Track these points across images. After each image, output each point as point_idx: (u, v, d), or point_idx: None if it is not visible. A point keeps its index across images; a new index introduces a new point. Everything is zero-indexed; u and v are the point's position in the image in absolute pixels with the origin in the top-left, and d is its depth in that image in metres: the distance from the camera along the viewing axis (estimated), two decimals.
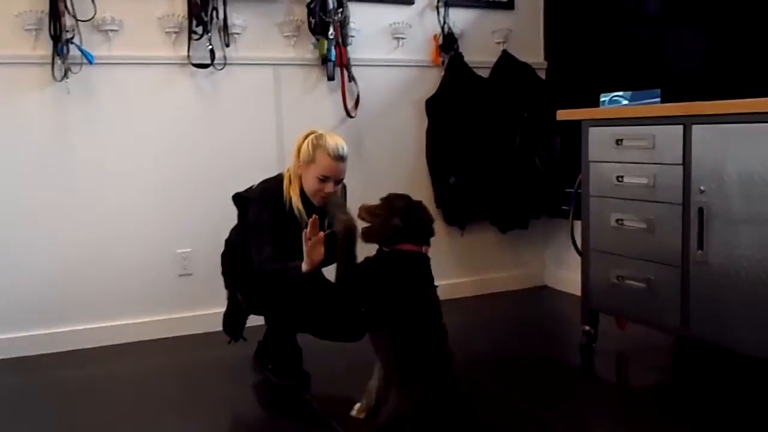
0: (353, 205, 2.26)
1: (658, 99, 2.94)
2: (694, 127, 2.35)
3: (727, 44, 3.07)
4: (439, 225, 3.79)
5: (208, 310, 3.35)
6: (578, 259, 3.83)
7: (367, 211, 2.16)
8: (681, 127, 2.39)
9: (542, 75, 4.03)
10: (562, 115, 2.90)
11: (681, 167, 2.40)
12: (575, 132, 3.67)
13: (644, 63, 3.47)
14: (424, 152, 3.80)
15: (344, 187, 2.72)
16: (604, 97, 3.13)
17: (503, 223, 3.91)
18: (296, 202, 2.52)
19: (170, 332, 3.30)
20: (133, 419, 2.41)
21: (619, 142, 2.65)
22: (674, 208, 2.44)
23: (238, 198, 2.65)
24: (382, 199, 2.18)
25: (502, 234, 3.96)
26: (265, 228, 2.50)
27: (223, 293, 3.31)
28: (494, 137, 3.80)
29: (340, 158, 2.49)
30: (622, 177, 2.64)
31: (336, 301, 2.25)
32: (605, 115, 2.73)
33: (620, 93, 3.07)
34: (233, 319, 2.73)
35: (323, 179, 2.49)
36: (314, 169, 2.49)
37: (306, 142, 2.52)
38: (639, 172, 2.57)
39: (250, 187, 2.65)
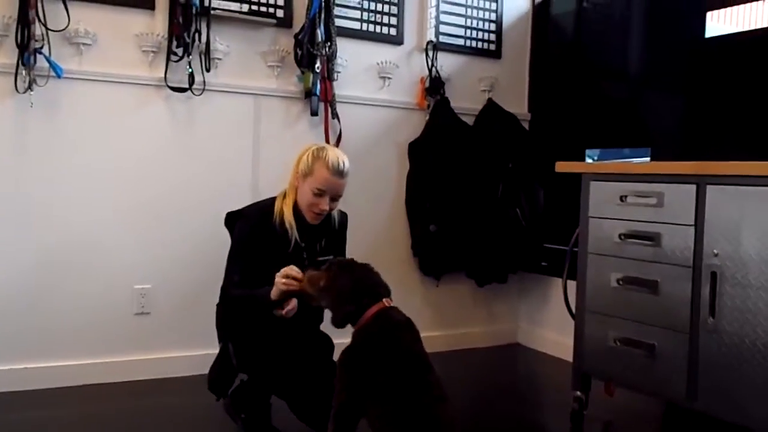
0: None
1: (648, 158, 2.90)
2: (709, 188, 2.25)
3: (708, 107, 3.07)
4: (414, 275, 3.68)
5: (166, 354, 3.08)
6: (554, 317, 3.76)
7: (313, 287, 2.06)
8: (694, 186, 2.29)
9: (525, 126, 3.95)
10: (561, 167, 2.78)
11: (693, 228, 2.29)
12: (559, 185, 3.63)
13: (627, 121, 3.45)
14: (403, 197, 3.65)
15: (345, 216, 2.57)
16: (590, 153, 3.06)
17: (481, 276, 3.76)
18: (287, 216, 2.36)
19: (123, 376, 2.98)
20: None
21: (623, 198, 2.54)
22: (683, 271, 2.32)
23: (230, 218, 2.45)
24: (324, 282, 2.04)
25: (479, 287, 3.80)
26: (242, 251, 2.35)
27: (184, 335, 3.10)
28: (476, 186, 3.67)
29: (339, 173, 2.35)
30: (624, 235, 2.52)
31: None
32: (609, 170, 2.63)
33: (589, 150, 3.01)
34: (221, 376, 2.45)
35: (319, 193, 2.33)
36: (311, 181, 2.34)
37: (306, 153, 2.39)
38: (644, 231, 2.45)
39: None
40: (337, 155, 2.37)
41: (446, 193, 3.60)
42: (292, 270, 2.15)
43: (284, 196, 2.42)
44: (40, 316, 2.87)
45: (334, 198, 2.38)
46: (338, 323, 2.00)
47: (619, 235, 2.54)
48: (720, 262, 2.21)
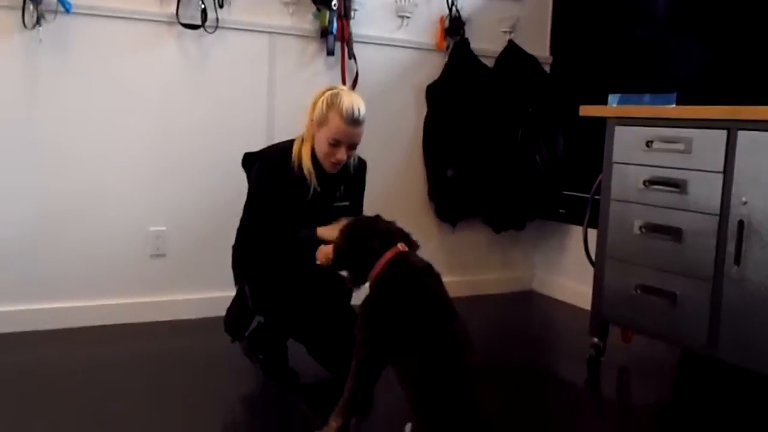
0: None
1: (674, 104, 2.80)
2: (740, 133, 2.17)
3: (736, 51, 2.96)
4: (430, 220, 3.63)
5: (182, 296, 3.08)
6: (570, 265, 3.73)
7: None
8: (725, 132, 2.21)
9: (547, 69, 3.84)
10: (586, 111, 2.70)
11: (721, 175, 2.22)
12: (579, 131, 3.55)
13: (651, 65, 3.33)
14: (420, 141, 3.57)
15: (364, 164, 2.49)
16: (613, 98, 2.96)
17: (498, 223, 3.71)
18: (306, 164, 2.29)
19: (138, 317, 2.98)
20: (93, 411, 2.13)
21: (649, 144, 2.46)
22: (710, 219, 2.26)
23: (247, 159, 2.39)
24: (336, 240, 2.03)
25: (496, 234, 3.76)
26: (264, 195, 2.29)
27: (200, 277, 3.09)
28: (495, 131, 3.59)
29: (354, 122, 2.24)
30: (649, 182, 2.46)
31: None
32: (635, 114, 2.54)
33: (612, 95, 2.90)
34: (237, 317, 2.45)
35: (334, 143, 2.25)
36: (326, 131, 2.25)
37: (321, 99, 2.28)
38: (670, 178, 2.39)
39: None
40: (351, 102, 2.25)
41: (464, 138, 3.53)
42: None
43: (303, 140, 2.34)
44: (55, 257, 2.86)
45: (351, 147, 2.30)
46: (352, 280, 1.97)
47: (644, 182, 2.47)
48: (748, 211, 2.15)
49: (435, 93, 3.53)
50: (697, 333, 2.31)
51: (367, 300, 1.87)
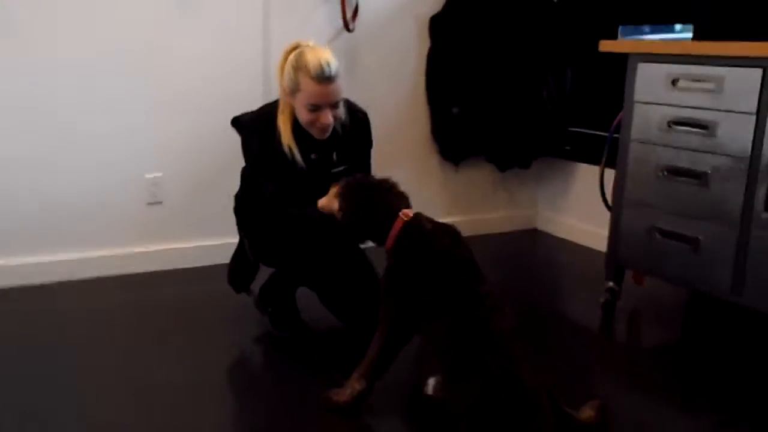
0: None
1: (690, 35, 2.66)
2: None
3: None
4: (433, 159, 3.51)
5: (180, 244, 2.97)
6: (574, 203, 3.65)
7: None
8: (760, 70, 2.09)
9: (555, 0, 3.65)
10: (606, 46, 2.56)
11: (754, 117, 2.12)
12: (587, 65, 3.41)
13: None
14: (423, 77, 3.41)
15: (363, 118, 2.30)
16: (624, 30, 2.81)
17: (503, 161, 3.60)
18: (286, 138, 2.12)
19: (135, 268, 2.87)
20: (90, 362, 2.07)
21: (674, 82, 2.34)
22: (739, 162, 2.17)
23: (235, 122, 2.24)
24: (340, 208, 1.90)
25: (501, 172, 3.66)
26: (258, 160, 2.16)
27: (198, 226, 2.98)
28: (501, 66, 3.42)
29: (327, 79, 2.03)
30: (674, 122, 2.35)
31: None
32: (661, 50, 2.40)
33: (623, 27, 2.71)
34: (238, 269, 2.35)
35: (313, 108, 2.07)
36: (301, 97, 2.07)
37: (287, 65, 2.08)
38: (698, 119, 2.28)
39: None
40: (318, 58, 2.03)
41: (470, 73, 3.37)
42: None
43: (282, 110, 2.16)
44: (46, 207, 2.71)
45: (333, 106, 2.10)
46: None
47: (668, 122, 2.36)
48: None
49: (438, 26, 3.34)
50: (720, 279, 2.26)
51: (388, 269, 1.78)
